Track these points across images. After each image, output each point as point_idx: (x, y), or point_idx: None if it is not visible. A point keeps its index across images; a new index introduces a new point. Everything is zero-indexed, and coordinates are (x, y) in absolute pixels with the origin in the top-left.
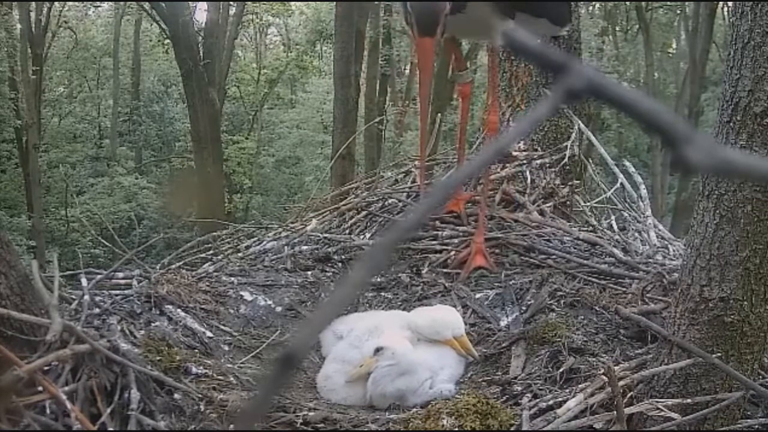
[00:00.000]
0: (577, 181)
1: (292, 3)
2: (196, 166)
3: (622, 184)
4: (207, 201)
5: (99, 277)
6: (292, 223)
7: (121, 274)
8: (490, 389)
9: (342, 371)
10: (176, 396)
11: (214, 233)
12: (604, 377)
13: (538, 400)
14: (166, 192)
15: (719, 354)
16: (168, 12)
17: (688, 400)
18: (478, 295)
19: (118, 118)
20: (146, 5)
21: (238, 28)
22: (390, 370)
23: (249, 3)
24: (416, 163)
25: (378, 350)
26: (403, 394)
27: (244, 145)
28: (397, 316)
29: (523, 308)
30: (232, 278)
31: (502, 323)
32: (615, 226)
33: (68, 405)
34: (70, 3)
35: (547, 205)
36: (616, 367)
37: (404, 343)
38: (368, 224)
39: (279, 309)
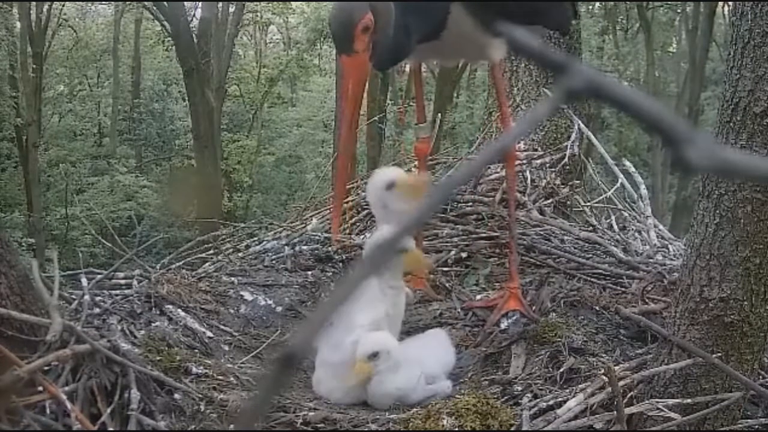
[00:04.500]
0: (577, 181)
1: (292, 2)
2: (196, 165)
3: (622, 183)
4: (207, 200)
5: (99, 276)
6: (293, 222)
7: (121, 274)
8: (490, 389)
9: (331, 375)
10: (176, 396)
11: (215, 233)
12: (604, 377)
13: (538, 400)
14: (167, 191)
15: (719, 354)
16: (169, 11)
17: (688, 400)
18: (478, 296)
19: (118, 116)
20: (148, 3)
21: (238, 27)
22: (389, 371)
23: (249, 2)
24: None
25: (373, 356)
26: (403, 392)
27: (244, 144)
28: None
29: None
30: (233, 278)
31: (502, 323)
32: (615, 226)
33: (68, 405)
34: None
35: (547, 203)
36: (616, 367)
37: (389, 339)
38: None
39: (279, 309)
